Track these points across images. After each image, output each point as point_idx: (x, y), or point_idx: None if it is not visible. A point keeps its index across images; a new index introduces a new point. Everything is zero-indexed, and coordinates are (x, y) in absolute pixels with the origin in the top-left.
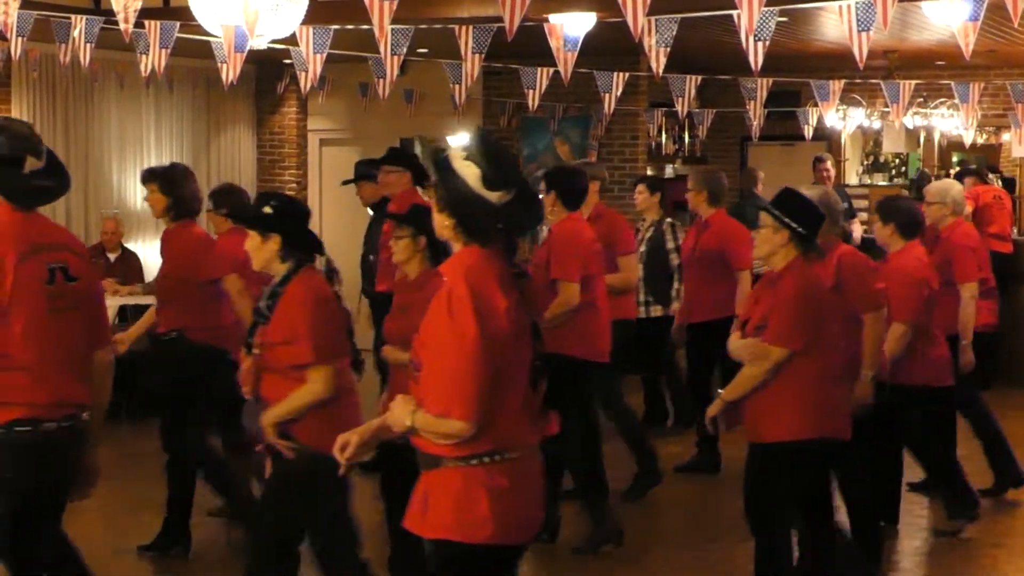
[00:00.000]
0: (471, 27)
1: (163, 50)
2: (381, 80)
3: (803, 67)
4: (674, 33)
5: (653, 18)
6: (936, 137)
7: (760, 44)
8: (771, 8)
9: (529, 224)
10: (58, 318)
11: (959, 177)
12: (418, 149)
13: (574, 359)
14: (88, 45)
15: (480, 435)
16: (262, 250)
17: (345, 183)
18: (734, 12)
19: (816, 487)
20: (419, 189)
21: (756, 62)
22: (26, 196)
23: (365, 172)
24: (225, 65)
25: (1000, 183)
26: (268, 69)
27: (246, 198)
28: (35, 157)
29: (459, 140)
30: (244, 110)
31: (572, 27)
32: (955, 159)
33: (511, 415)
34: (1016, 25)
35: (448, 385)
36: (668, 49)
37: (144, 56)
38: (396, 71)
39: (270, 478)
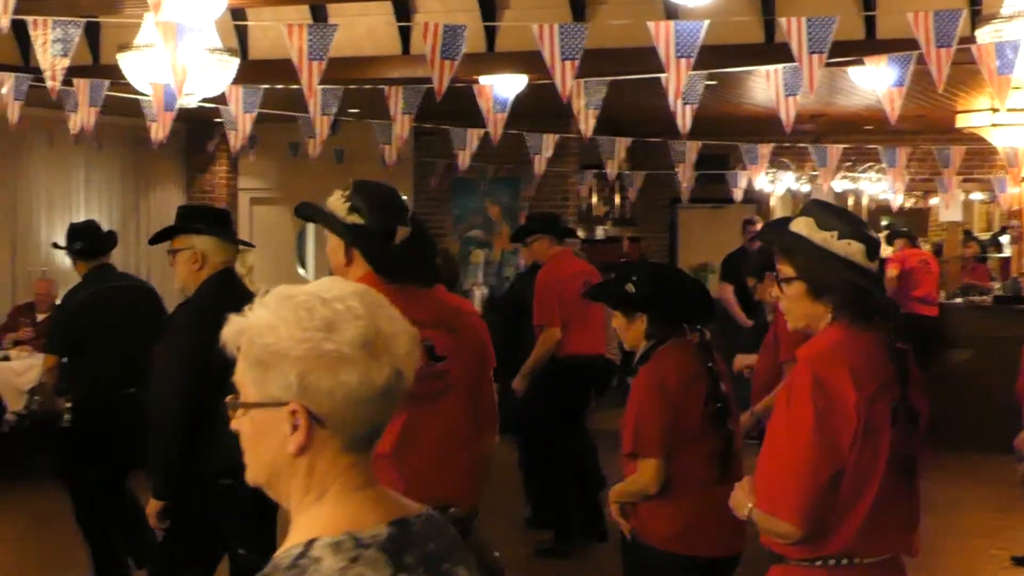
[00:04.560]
0: (401, 88)
1: (92, 108)
2: (311, 140)
3: (732, 130)
4: (603, 96)
5: (582, 81)
6: (864, 201)
7: (688, 107)
8: (699, 72)
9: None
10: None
11: (889, 240)
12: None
13: None
14: (17, 102)
15: (825, 536)
16: (630, 331)
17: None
18: (662, 76)
19: None
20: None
21: (684, 125)
22: (400, 271)
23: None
24: (154, 124)
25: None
26: (198, 128)
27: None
28: (405, 226)
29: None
30: (174, 169)
31: (502, 89)
32: (883, 223)
33: (865, 518)
34: (941, 91)
35: (776, 482)
36: (597, 111)
37: (73, 114)
38: (326, 131)
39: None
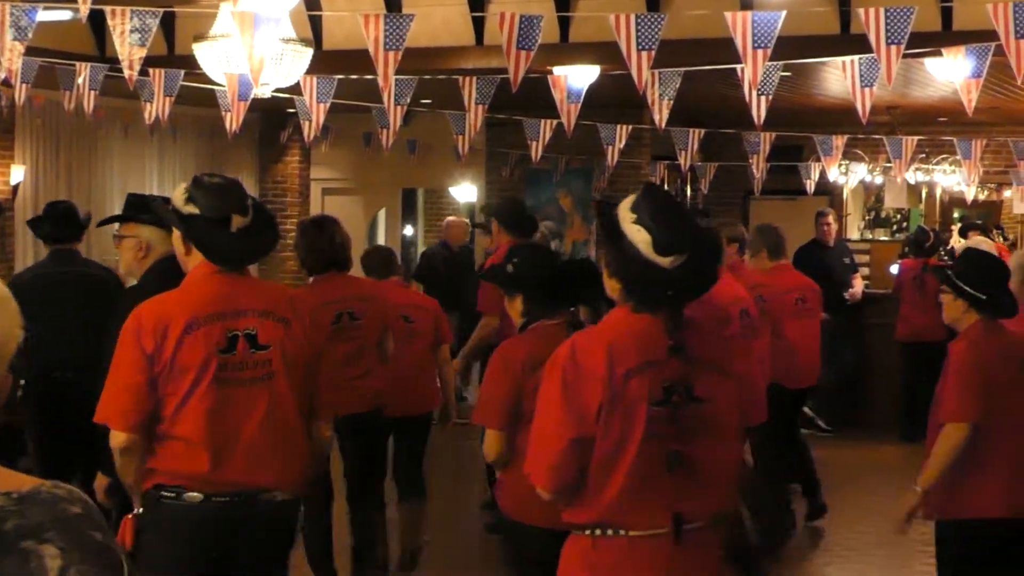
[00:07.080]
0: (475, 78)
1: (167, 98)
2: (384, 130)
3: (806, 122)
4: (677, 87)
5: (657, 71)
6: (938, 193)
7: (763, 98)
8: (774, 63)
9: (701, 289)
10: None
11: (963, 232)
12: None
13: None
14: (92, 92)
15: (585, 504)
16: (511, 310)
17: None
18: (738, 66)
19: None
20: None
21: (759, 116)
22: (231, 257)
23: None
24: (229, 113)
25: (1003, 240)
26: (271, 118)
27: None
28: (241, 215)
29: (461, 191)
30: (247, 159)
31: (576, 79)
32: (956, 215)
33: (622, 490)
34: (1019, 83)
35: (532, 446)
36: (671, 102)
37: (148, 104)
38: (399, 121)
39: None
